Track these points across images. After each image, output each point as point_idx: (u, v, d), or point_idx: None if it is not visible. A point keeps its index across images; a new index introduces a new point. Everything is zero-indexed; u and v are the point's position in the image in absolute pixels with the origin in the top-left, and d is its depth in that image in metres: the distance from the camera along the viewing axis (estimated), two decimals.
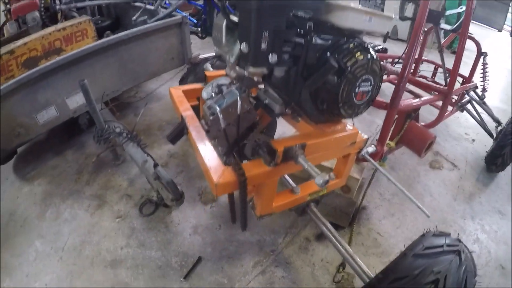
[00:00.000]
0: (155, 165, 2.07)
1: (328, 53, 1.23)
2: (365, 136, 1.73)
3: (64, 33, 3.06)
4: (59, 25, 3.06)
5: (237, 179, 1.21)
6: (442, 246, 1.21)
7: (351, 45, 1.28)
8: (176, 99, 1.80)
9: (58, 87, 2.59)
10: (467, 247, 1.26)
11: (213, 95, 1.54)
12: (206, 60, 2.86)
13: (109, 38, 2.86)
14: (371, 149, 2.00)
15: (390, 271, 1.18)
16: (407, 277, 1.11)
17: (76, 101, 2.71)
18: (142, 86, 4.13)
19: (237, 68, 1.35)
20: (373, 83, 1.38)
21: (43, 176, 2.78)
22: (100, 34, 3.33)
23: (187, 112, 1.67)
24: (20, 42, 2.78)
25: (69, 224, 2.36)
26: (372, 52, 1.32)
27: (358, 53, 1.27)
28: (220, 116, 1.40)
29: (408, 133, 2.30)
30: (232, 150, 1.51)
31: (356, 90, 1.31)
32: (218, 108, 1.39)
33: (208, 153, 1.38)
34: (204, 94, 1.57)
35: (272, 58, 1.17)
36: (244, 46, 1.19)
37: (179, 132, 1.59)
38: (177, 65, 3.43)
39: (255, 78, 1.26)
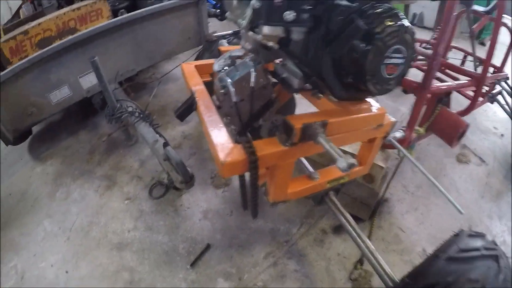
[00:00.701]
0: (165, 145, 1.96)
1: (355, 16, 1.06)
2: (393, 119, 1.54)
3: (79, 13, 2.98)
4: (74, 5, 3.00)
5: (247, 159, 1.07)
6: (479, 249, 1.04)
7: (381, 9, 1.10)
8: (187, 74, 1.67)
9: (71, 66, 2.53)
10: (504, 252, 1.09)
11: (226, 68, 1.39)
12: (222, 37, 2.71)
13: (124, 16, 2.79)
14: (398, 134, 1.83)
15: (420, 275, 1.03)
16: (438, 284, 0.97)
17: (89, 80, 2.65)
18: (159, 68, 4.03)
19: (250, 34, 1.19)
20: (405, 56, 1.20)
21: (56, 156, 2.76)
22: (116, 15, 3.25)
23: (198, 87, 1.53)
24: (34, 23, 2.73)
25: (78, 204, 2.32)
26: (405, 21, 1.13)
27: (389, 18, 1.09)
28: (232, 90, 1.26)
29: (439, 119, 2.10)
30: (246, 129, 1.37)
31: (386, 61, 1.14)
32: (229, 81, 1.25)
33: (216, 129, 1.23)
34: (216, 66, 1.43)
35: (289, 15, 1.01)
36: (255, 1, 1.03)
37: (188, 107, 1.46)
38: (193, 45, 3.31)
39: (271, 44, 1.11)
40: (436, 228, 2.22)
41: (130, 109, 2.43)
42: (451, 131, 2.09)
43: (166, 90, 3.61)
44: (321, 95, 1.43)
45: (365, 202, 2.10)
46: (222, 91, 1.31)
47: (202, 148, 2.79)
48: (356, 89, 1.23)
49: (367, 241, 1.45)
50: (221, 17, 3.71)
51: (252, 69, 1.25)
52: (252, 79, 1.24)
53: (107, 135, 2.58)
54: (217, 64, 1.44)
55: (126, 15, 2.79)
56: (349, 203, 2.10)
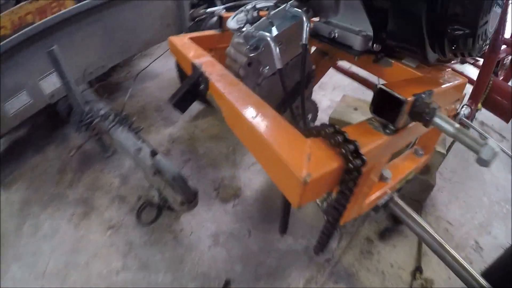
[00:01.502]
0: (154, 154, 1.46)
1: None
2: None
3: (37, 4, 2.49)
4: None
5: (344, 166, 0.58)
6: None
7: None
8: (180, 47, 1.17)
9: (29, 66, 2.03)
10: None
11: (248, 25, 0.92)
12: (212, 15, 2.22)
13: (87, 1, 2.28)
14: (466, 110, 1.43)
15: None
16: None
17: (52, 82, 2.14)
18: (134, 66, 3.52)
19: None
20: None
21: (22, 180, 2.21)
22: None
23: (203, 59, 1.02)
24: None
25: (50, 240, 1.79)
26: None
27: None
28: (276, 50, 0.79)
29: (493, 91, 1.73)
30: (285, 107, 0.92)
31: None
32: (269, 35, 0.77)
33: (267, 118, 0.71)
34: (232, 23, 0.96)
35: None
36: None
37: (189, 91, 0.95)
38: (174, 33, 2.75)
39: None
40: (481, 215, 1.97)
41: (102, 112, 1.92)
42: (507, 104, 1.73)
43: (144, 88, 3.09)
44: (392, 61, 0.99)
45: (416, 198, 1.75)
46: (251, 55, 0.84)
47: (197, 152, 2.29)
48: (456, 48, 0.80)
49: (447, 247, 1.06)
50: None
51: (304, 17, 0.78)
52: (305, 32, 0.77)
53: (77, 147, 2.05)
54: (234, 20, 0.97)
55: None
56: None
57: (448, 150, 1.66)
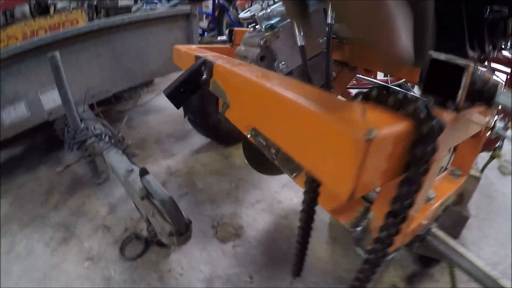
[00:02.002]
0: (143, 172, 1.28)
1: None
2: None
3: (51, 21, 2.58)
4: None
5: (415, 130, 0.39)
6: None
7: None
8: (184, 50, 1.04)
9: (31, 77, 1.97)
10: None
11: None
12: (223, 42, 2.16)
13: (102, 21, 2.28)
14: (501, 123, 1.24)
15: None
16: None
17: (53, 99, 2.07)
18: (140, 100, 3.43)
19: None
20: None
21: (7, 195, 2.07)
22: None
23: (209, 53, 0.88)
24: None
25: (22, 261, 1.58)
26: None
27: None
28: (296, 27, 0.65)
29: None
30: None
31: None
32: None
33: (289, 84, 0.51)
34: (245, 14, 0.83)
35: None
36: None
37: (190, 79, 0.79)
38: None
39: None
40: None
41: (97, 132, 1.80)
42: None
43: (146, 121, 2.98)
44: None
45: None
46: (266, 35, 0.69)
47: (195, 186, 2.10)
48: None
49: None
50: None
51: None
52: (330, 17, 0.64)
53: (65, 166, 1.88)
54: (247, 12, 0.84)
55: (104, 20, 2.28)
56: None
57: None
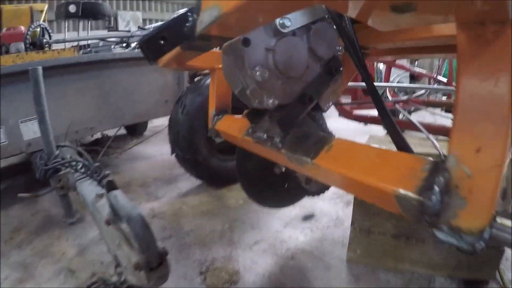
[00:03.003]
0: (110, 187, 1.05)
1: None
2: None
3: (43, 56, 2.56)
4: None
5: None
6: None
7: None
8: None
9: (14, 103, 1.88)
10: None
11: None
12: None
13: (92, 54, 2.23)
14: None
15: None
16: None
17: (33, 130, 1.96)
18: (128, 148, 3.29)
19: None
20: None
21: None
22: None
23: None
24: None
25: None
26: None
27: None
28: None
29: None
30: None
31: None
32: None
33: None
34: None
35: None
36: None
37: (171, 27, 0.63)
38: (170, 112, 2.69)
39: None
40: None
41: (73, 162, 1.61)
42: None
43: (133, 167, 2.79)
44: None
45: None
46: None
47: (181, 229, 1.84)
48: None
49: None
50: None
51: None
52: None
53: (32, 195, 1.70)
54: None
55: (93, 53, 2.24)
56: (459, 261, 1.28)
57: None
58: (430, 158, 0.48)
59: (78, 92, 2.13)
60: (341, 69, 0.81)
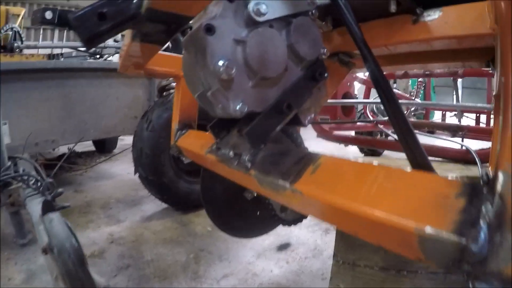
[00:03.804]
0: (46, 208, 0.89)
1: None
2: None
3: (10, 59, 2.45)
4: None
5: None
6: None
7: None
8: None
9: None
10: None
11: None
12: None
13: (58, 61, 2.09)
14: None
15: None
16: None
17: None
18: (94, 168, 3.07)
19: None
20: None
21: None
22: None
23: None
24: None
25: None
26: None
27: None
28: None
29: None
30: None
31: None
32: None
33: None
34: None
35: None
36: None
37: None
38: None
39: None
40: None
41: (25, 177, 1.45)
42: None
43: (96, 186, 2.58)
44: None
45: None
46: None
47: (141, 257, 1.65)
48: None
49: None
50: None
51: None
52: None
53: None
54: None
55: (60, 60, 2.10)
56: None
57: None
58: (465, 179, 0.33)
59: (41, 101, 1.97)
60: (326, 75, 0.68)
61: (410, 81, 4.69)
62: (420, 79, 3.67)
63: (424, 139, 1.92)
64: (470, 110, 3.44)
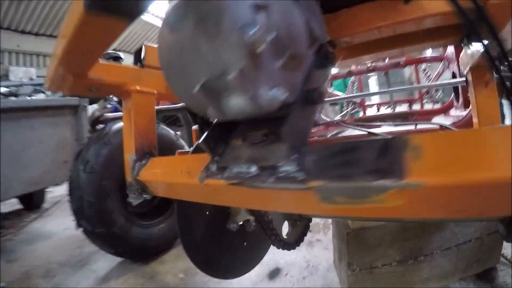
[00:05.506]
0: None
1: None
2: None
3: None
4: None
5: None
6: None
7: None
8: None
9: None
10: None
11: None
12: (116, 121, 1.68)
13: None
14: None
15: None
16: None
17: None
18: (23, 227, 2.62)
19: None
20: None
21: None
22: None
23: None
24: None
25: None
26: None
27: None
28: None
29: None
30: None
31: None
32: None
33: None
34: None
35: None
36: None
37: None
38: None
39: None
40: None
41: None
42: None
43: (32, 251, 2.16)
44: None
45: None
46: None
47: None
48: None
49: None
50: None
51: None
52: None
53: None
54: None
55: None
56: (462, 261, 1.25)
57: None
58: None
59: None
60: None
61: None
62: (352, 78, 3.86)
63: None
64: (401, 100, 3.86)
